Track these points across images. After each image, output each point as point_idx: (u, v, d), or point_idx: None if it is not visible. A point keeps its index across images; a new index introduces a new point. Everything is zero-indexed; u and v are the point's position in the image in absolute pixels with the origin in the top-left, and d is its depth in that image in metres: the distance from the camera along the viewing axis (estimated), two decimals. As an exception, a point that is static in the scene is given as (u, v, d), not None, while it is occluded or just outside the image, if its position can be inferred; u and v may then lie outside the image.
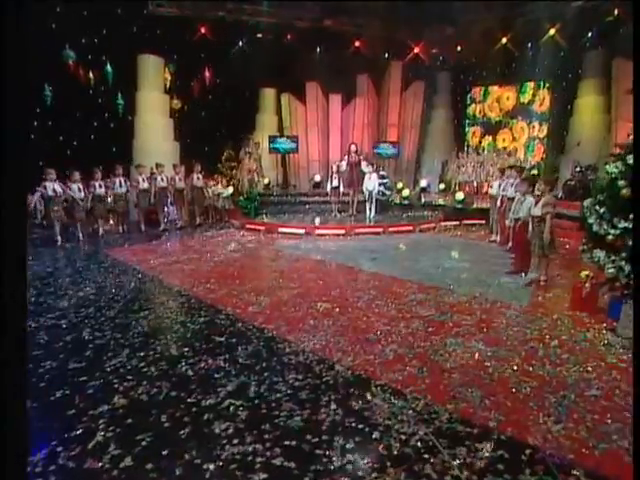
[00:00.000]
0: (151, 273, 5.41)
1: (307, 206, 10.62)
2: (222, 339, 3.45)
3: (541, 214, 4.48)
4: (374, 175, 8.74)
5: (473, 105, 14.59)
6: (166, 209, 9.48)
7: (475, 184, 10.70)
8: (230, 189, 10.02)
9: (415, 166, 14.33)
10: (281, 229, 8.21)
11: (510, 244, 5.82)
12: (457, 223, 8.59)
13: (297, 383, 2.74)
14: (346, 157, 9.22)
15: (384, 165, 12.70)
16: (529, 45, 11.79)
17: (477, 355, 3.06)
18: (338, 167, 9.00)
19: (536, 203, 4.60)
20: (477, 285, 4.77)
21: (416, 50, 13.11)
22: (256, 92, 13.86)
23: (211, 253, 6.63)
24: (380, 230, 7.87)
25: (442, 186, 12.19)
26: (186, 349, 3.25)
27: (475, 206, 9.17)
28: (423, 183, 13.22)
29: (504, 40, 11.73)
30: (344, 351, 3.16)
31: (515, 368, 2.85)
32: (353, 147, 9.12)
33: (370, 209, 8.90)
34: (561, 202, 9.81)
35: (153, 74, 10.57)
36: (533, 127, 12.87)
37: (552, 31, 10.67)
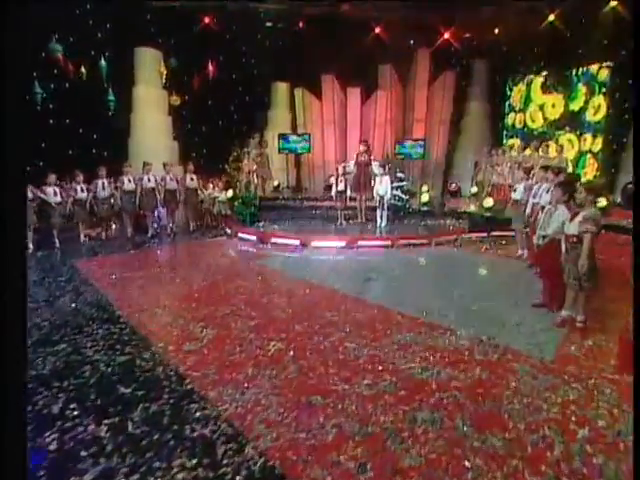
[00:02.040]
0: (104, 292, 4.93)
1: (315, 212, 9.94)
2: (127, 391, 2.79)
3: (578, 232, 3.44)
4: (386, 178, 7.95)
5: (512, 114, 13.39)
6: (156, 213, 9.11)
7: (511, 189, 9.55)
8: (229, 192, 9.55)
9: (444, 167, 13.36)
10: (274, 239, 7.60)
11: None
12: (484, 235, 7.57)
13: (181, 475, 2.01)
14: (354, 157, 8.47)
15: (404, 166, 11.89)
16: (582, 21, 10.33)
17: (456, 448, 2.18)
18: (344, 168, 8.29)
19: (573, 217, 3.58)
20: (488, 322, 3.83)
21: (446, 35, 12.15)
22: (267, 86, 13.41)
23: (185, 268, 6.12)
24: (388, 243, 7.04)
25: (474, 189, 11.17)
26: (71, 406, 2.61)
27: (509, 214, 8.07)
28: (453, 186, 12.26)
29: (551, 17, 10.48)
30: (270, 423, 2.40)
31: None
32: (362, 146, 8.37)
33: (381, 217, 8.11)
34: (619, 211, 8.81)
35: (151, 68, 10.31)
36: (584, 139, 11.45)
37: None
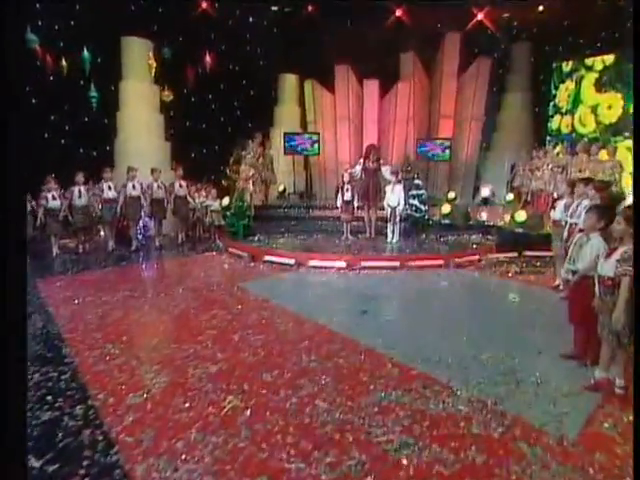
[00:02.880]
0: (59, 322, 4.82)
1: (321, 223, 9.78)
2: (36, 464, 2.58)
3: (614, 274, 2.98)
4: (399, 186, 7.71)
5: (558, 116, 12.80)
6: (141, 224, 9.11)
7: (552, 197, 9.06)
8: (225, 200, 9.50)
9: (475, 171, 12.94)
10: (267, 257, 7.47)
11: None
12: (515, 255, 7.17)
13: None
14: (361, 161, 8.28)
15: (428, 170, 11.56)
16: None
17: None
18: (350, 175, 8.09)
19: (610, 253, 3.09)
20: (499, 378, 3.46)
21: (479, 16, 11.73)
22: (273, 79, 13.44)
23: (160, 291, 5.98)
24: (396, 264, 6.73)
25: (510, 197, 10.73)
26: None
27: (547, 230, 7.63)
28: (485, 192, 11.88)
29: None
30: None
31: None
32: (370, 148, 8.27)
33: (392, 232, 7.86)
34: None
35: (140, 60, 10.36)
36: (647, 148, 10.81)
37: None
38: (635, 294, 2.74)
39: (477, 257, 7.06)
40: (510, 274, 6.58)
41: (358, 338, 4.26)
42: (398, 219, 7.81)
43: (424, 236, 8.54)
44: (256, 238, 8.69)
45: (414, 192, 8.69)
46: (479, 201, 11.54)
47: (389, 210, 7.76)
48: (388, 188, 7.78)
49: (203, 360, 3.86)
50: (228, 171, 10.73)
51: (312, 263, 7.01)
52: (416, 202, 8.60)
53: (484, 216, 9.51)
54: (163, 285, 6.37)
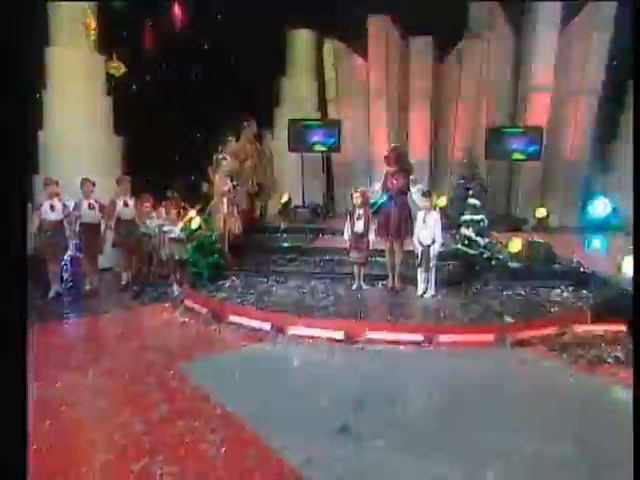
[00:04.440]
0: None
1: (330, 258, 9.62)
2: None
3: None
4: (433, 215, 7.46)
5: None
6: (66, 258, 9.18)
7: None
8: (194, 223, 9.32)
9: (582, 173, 12.47)
10: (234, 317, 7.36)
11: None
12: (621, 329, 6.58)
13: None
14: (382, 177, 8.17)
15: (500, 176, 11.28)
16: None
17: None
18: (364, 196, 7.94)
19: None
20: None
21: None
22: (279, 39, 13.56)
23: (64, 372, 5.81)
24: (420, 338, 6.37)
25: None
26: None
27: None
28: (600, 208, 11.32)
29: None
30: None
31: None
32: (391, 154, 8.03)
33: (426, 282, 7.54)
34: None
35: (74, 19, 10.50)
36: None
37: None
38: (635, 294, 3.27)
39: (554, 331, 6.52)
40: (612, 369, 5.91)
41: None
42: (433, 263, 7.43)
43: (477, 288, 8.11)
44: (227, 284, 8.54)
45: (468, 216, 8.34)
46: (586, 223, 11.00)
47: (420, 249, 7.45)
48: (418, 216, 7.52)
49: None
50: (207, 181, 10.55)
51: (294, 331, 6.84)
52: (470, 232, 8.23)
53: (584, 258, 8.87)
54: (67, 364, 6.21)
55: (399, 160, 8.00)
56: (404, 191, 7.91)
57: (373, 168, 12.76)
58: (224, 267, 8.84)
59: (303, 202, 12.67)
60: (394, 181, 7.90)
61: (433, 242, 7.41)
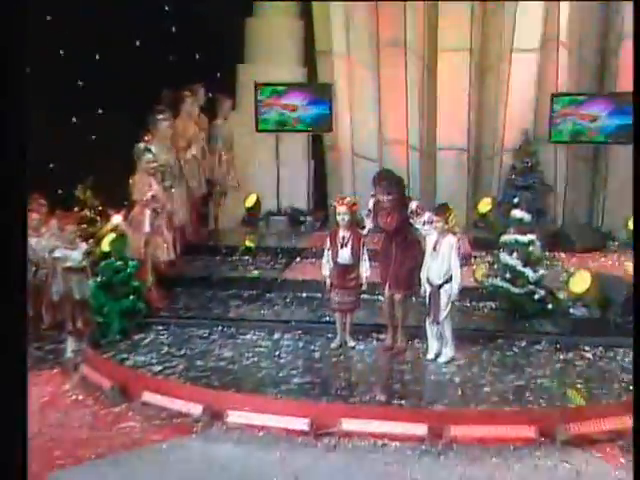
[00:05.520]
0: None
1: (305, 295, 9.53)
2: None
3: None
4: (449, 240, 6.99)
5: None
6: None
7: None
8: (105, 244, 8.89)
9: None
10: (148, 396, 6.96)
11: None
12: None
13: None
14: (371, 205, 7.86)
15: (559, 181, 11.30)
16: None
17: None
18: (352, 210, 7.67)
19: None
20: None
21: None
22: None
23: None
24: (424, 431, 5.81)
25: None
26: None
27: None
28: None
29: None
30: None
31: None
32: (384, 182, 7.66)
33: (439, 337, 7.17)
34: None
35: None
36: None
37: None
38: (635, 293, 4.72)
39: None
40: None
41: None
42: (446, 312, 6.98)
43: (520, 347, 7.64)
44: (148, 339, 8.17)
45: (511, 236, 8.19)
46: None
47: (429, 291, 7.06)
48: (429, 241, 7.08)
49: None
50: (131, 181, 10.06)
51: (237, 418, 6.42)
52: (513, 261, 7.97)
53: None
54: None
55: (390, 190, 7.62)
56: (403, 227, 7.66)
57: (384, 156, 12.62)
58: (144, 314, 8.55)
59: (278, 207, 12.59)
60: (388, 219, 7.63)
61: (448, 280, 6.93)
